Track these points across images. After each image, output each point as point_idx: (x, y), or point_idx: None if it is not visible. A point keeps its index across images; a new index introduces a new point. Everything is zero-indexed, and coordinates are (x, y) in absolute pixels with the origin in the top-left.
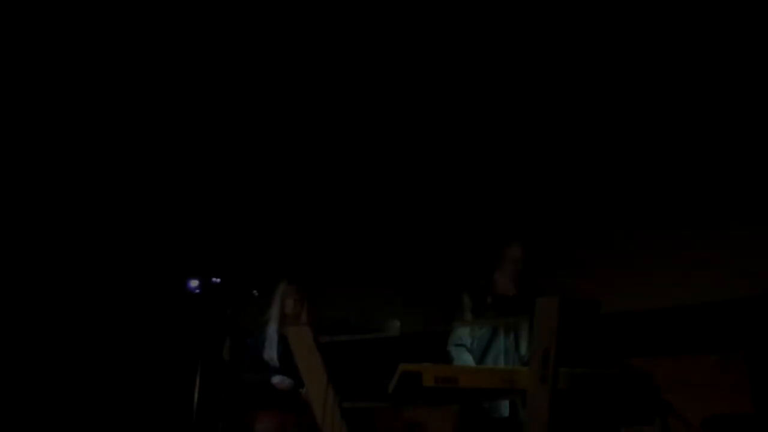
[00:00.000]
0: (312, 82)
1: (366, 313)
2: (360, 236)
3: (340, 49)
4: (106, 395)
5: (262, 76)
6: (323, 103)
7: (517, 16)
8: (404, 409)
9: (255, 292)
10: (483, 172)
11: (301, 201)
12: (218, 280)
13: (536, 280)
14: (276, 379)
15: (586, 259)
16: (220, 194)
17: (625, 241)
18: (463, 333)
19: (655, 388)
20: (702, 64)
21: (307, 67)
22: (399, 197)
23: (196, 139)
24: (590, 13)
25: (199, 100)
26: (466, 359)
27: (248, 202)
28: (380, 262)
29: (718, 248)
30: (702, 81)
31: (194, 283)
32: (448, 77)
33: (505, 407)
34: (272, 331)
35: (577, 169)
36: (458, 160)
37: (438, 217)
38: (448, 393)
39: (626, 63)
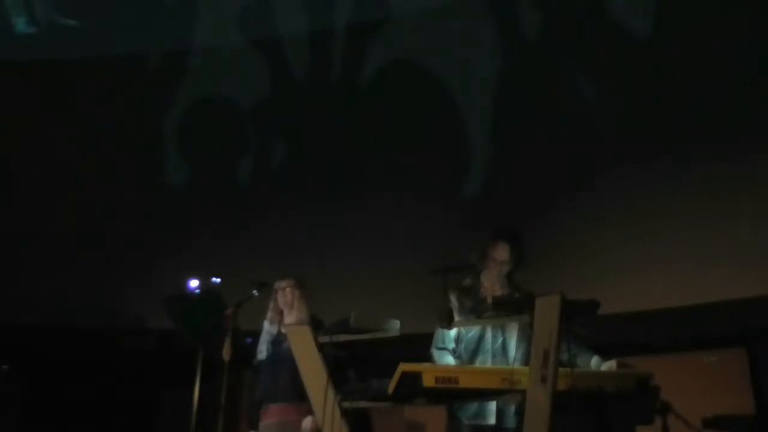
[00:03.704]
0: None
1: (366, 313)
2: (360, 235)
3: None
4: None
5: None
6: None
7: None
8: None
9: (255, 292)
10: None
11: (301, 201)
12: (218, 280)
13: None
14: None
15: (586, 259)
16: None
17: (625, 242)
18: (446, 336)
19: (655, 388)
20: None
21: None
22: (398, 195)
23: None
24: None
25: None
26: (448, 361)
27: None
28: (380, 262)
29: (718, 248)
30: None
31: (194, 283)
32: None
33: (491, 415)
34: (266, 324)
35: (577, 168)
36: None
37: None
38: (448, 393)
39: None
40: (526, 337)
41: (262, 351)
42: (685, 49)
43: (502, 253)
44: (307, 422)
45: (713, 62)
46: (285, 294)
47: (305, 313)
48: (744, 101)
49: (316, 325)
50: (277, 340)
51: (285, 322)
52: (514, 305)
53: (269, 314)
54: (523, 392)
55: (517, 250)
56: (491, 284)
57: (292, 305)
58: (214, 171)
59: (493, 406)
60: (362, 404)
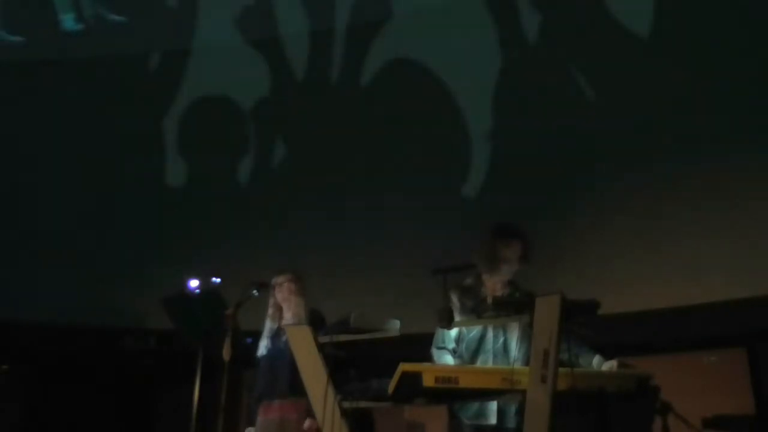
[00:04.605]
0: None
1: (366, 313)
2: (360, 235)
3: None
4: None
5: None
6: None
7: None
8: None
9: (255, 292)
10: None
11: (301, 201)
12: (218, 280)
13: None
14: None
15: (586, 259)
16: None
17: (625, 241)
18: (446, 335)
19: (655, 388)
20: None
21: None
22: (398, 195)
23: None
24: None
25: None
26: (447, 361)
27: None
28: (380, 262)
29: (718, 249)
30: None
31: (194, 283)
32: None
33: (492, 414)
34: (267, 321)
35: (577, 168)
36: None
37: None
38: (448, 393)
39: None
40: (528, 336)
41: (262, 347)
42: (685, 48)
43: (515, 251)
44: (307, 425)
45: (714, 63)
46: (282, 289)
47: (303, 307)
48: (745, 102)
49: (317, 318)
50: (276, 335)
51: (284, 316)
52: (514, 305)
53: (270, 311)
54: (524, 392)
55: (527, 246)
56: (493, 284)
57: (290, 300)
58: (214, 171)
59: (494, 405)
60: (362, 404)
